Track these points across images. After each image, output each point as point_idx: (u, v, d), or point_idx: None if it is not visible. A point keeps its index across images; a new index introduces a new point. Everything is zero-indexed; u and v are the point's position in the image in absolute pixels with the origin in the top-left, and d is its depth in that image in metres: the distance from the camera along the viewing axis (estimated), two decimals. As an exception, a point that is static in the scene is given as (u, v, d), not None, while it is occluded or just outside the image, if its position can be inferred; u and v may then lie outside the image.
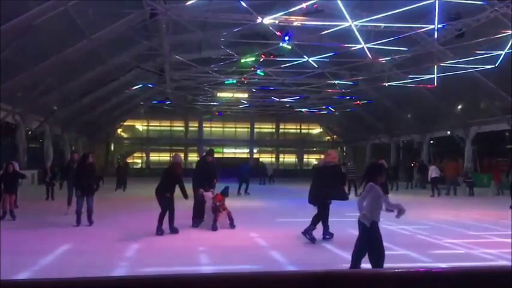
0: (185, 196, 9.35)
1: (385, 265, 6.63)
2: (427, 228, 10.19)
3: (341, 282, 1.37)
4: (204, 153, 11.80)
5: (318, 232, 8.70)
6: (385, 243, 8.30)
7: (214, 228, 9.48)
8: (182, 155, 46.26)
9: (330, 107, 35.06)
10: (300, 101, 34.36)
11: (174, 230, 9.05)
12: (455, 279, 1.46)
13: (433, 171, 20.82)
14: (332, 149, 10.33)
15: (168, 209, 9.06)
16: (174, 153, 12.46)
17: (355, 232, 9.55)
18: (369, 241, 5.42)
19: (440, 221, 11.59)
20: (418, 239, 8.99)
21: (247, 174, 20.64)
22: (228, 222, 9.79)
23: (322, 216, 8.73)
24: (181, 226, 9.37)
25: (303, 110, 36.63)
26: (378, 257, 5.35)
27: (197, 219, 10.11)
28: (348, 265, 6.78)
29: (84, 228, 9.70)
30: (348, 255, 7.31)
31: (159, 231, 8.91)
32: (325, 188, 8.75)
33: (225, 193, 10.12)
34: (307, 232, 8.50)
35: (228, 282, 1.35)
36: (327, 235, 8.85)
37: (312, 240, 8.41)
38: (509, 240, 7.98)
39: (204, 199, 10.13)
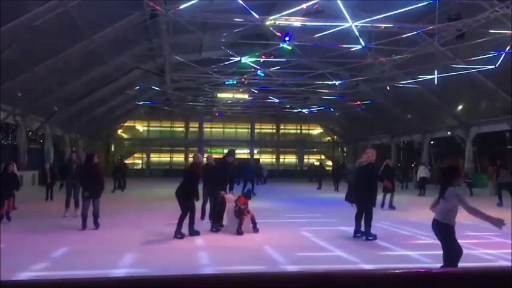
0: (197, 198, 9.11)
1: (385, 265, 6.64)
2: (427, 229, 10.13)
3: (341, 282, 1.37)
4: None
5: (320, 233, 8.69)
6: (385, 244, 8.38)
7: (239, 232, 9.04)
8: (182, 155, 46.42)
9: (330, 108, 35.06)
10: (300, 102, 34.36)
11: (195, 233, 8.79)
12: (455, 279, 1.46)
13: (422, 171, 21.48)
14: (371, 149, 10.18)
15: (190, 211, 8.82)
16: (194, 154, 12.16)
17: (351, 230, 9.60)
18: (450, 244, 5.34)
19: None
20: (418, 239, 9.00)
21: (251, 174, 20.63)
22: (251, 225, 9.38)
23: (366, 215, 8.78)
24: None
25: (303, 110, 36.64)
26: (452, 259, 5.27)
27: (216, 223, 9.64)
28: (349, 266, 6.79)
29: (92, 232, 9.38)
30: (347, 255, 7.32)
31: (179, 234, 8.59)
32: (358, 187, 8.92)
33: (247, 195, 9.78)
34: (368, 235, 8.63)
35: (228, 282, 1.35)
36: (358, 234, 8.98)
37: (375, 237, 8.59)
38: (509, 240, 7.98)
39: (224, 202, 9.73)
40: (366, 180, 8.80)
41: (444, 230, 5.32)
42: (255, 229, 9.36)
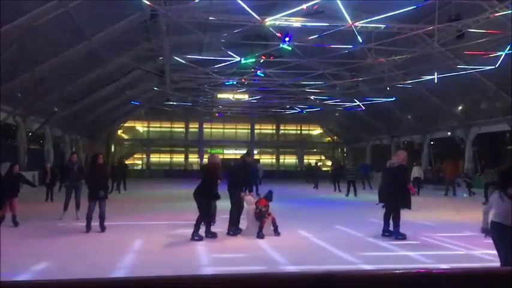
0: (217, 198, 8.86)
1: (386, 266, 6.65)
2: (428, 229, 10.18)
3: (341, 282, 1.37)
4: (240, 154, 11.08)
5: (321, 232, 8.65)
6: (385, 244, 8.38)
7: (260, 236, 8.65)
8: (182, 156, 46.44)
9: (329, 108, 35.07)
10: (300, 102, 34.37)
11: (212, 235, 8.63)
12: (455, 280, 1.46)
13: (415, 172, 21.77)
14: (402, 150, 10.38)
15: (207, 212, 8.65)
16: (210, 154, 11.87)
17: (351, 231, 9.60)
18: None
19: (440, 222, 11.59)
20: (418, 239, 8.99)
21: (254, 175, 20.62)
22: (271, 228, 9.00)
23: (394, 215, 8.93)
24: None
25: (303, 111, 36.67)
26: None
27: (234, 226, 9.24)
28: (349, 266, 6.78)
29: (98, 234, 9.08)
30: (347, 256, 7.32)
31: (196, 237, 8.38)
32: (388, 188, 9.09)
33: (269, 197, 9.33)
34: (397, 234, 8.78)
35: (228, 283, 1.34)
36: (387, 233, 9.08)
37: (404, 237, 8.73)
38: (510, 241, 7.97)
39: (242, 204, 9.41)
40: (396, 181, 8.93)
41: (509, 233, 5.29)
42: (276, 232, 8.99)
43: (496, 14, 14.86)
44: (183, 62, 23.12)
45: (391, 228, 9.04)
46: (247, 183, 9.79)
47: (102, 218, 9.33)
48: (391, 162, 9.41)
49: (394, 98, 26.88)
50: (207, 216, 8.68)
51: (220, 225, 9.60)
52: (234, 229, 9.18)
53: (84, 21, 16.97)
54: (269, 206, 9.18)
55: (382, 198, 9.52)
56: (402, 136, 34.51)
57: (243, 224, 9.44)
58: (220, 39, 21.82)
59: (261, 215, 8.92)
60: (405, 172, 9.45)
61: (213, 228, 9.00)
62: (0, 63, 15.09)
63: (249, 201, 9.34)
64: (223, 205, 9.52)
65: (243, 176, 9.64)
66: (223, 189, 9.31)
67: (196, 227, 8.50)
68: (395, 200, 8.95)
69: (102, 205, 9.34)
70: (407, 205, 9.13)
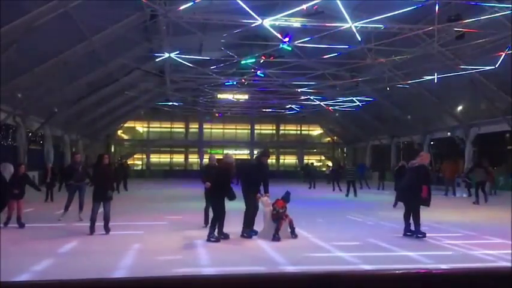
0: (233, 197, 8.58)
1: (386, 266, 6.65)
2: (427, 229, 10.16)
3: (342, 282, 1.37)
4: (259, 154, 10.54)
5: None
6: (385, 245, 8.38)
7: (276, 238, 8.35)
8: (182, 156, 46.45)
9: (330, 108, 35.09)
10: (300, 102, 34.40)
11: (225, 236, 8.52)
12: (455, 280, 1.46)
13: None
14: (425, 152, 10.70)
15: (222, 213, 8.51)
16: (225, 153, 11.59)
17: (351, 231, 9.61)
18: None
19: (439, 222, 11.57)
20: (418, 239, 8.99)
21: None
22: (288, 231, 8.71)
23: (414, 214, 9.07)
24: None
25: (303, 111, 36.66)
26: None
27: (248, 228, 8.92)
28: (349, 267, 6.79)
29: (102, 236, 8.87)
30: (347, 256, 7.32)
31: (212, 238, 8.28)
32: (408, 187, 9.29)
33: (286, 198, 9.06)
34: (418, 233, 8.94)
35: (228, 283, 1.35)
36: (408, 233, 9.20)
37: (424, 235, 8.91)
38: (509, 241, 7.98)
39: (257, 205, 9.13)
40: (415, 181, 9.08)
41: None
42: (293, 234, 8.70)
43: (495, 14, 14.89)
44: (184, 62, 23.11)
45: (412, 227, 9.16)
46: (263, 184, 9.39)
47: (106, 220, 9.12)
48: (412, 163, 9.65)
49: (372, 99, 27.33)
50: (221, 216, 8.53)
51: (235, 227, 9.16)
52: (248, 231, 8.90)
53: (84, 21, 16.97)
54: (286, 207, 8.94)
55: (401, 197, 9.76)
56: (402, 136, 34.52)
57: (259, 226, 9.15)
58: (220, 40, 21.82)
59: (278, 217, 8.65)
60: (426, 171, 9.52)
61: (228, 230, 8.73)
62: (0, 63, 15.09)
63: (265, 202, 9.04)
64: (238, 206, 9.26)
65: (258, 176, 9.27)
66: (237, 189, 9.12)
67: (212, 228, 8.35)
68: (414, 199, 9.07)
69: (106, 206, 9.15)
70: (426, 203, 9.21)
